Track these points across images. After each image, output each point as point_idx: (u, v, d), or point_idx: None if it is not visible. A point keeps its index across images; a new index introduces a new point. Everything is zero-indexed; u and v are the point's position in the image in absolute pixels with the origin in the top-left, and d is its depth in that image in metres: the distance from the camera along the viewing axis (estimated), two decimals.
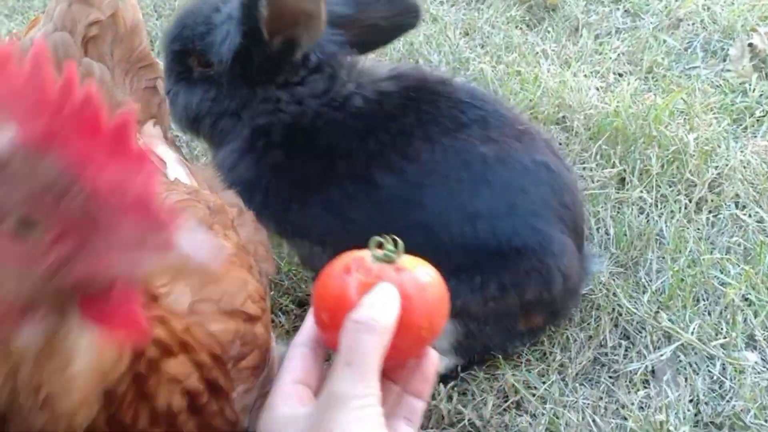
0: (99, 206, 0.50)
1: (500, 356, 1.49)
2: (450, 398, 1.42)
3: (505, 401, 1.44)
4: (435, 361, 0.79)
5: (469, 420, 1.39)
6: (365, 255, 0.76)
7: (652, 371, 1.49)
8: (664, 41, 2.41)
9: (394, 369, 0.78)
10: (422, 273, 0.75)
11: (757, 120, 2.10)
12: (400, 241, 0.75)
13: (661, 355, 1.50)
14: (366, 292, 0.72)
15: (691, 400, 1.42)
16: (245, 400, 0.77)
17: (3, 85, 0.49)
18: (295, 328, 1.59)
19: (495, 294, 1.35)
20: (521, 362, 1.50)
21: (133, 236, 0.50)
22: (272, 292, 1.65)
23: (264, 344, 0.83)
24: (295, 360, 0.76)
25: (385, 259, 0.74)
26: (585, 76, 2.25)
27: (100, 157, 0.50)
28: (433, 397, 1.42)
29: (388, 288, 0.71)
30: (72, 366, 0.58)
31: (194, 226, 0.53)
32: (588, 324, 1.58)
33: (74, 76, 0.50)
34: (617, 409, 1.42)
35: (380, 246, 0.75)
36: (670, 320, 1.55)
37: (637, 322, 1.57)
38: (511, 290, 1.36)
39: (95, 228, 0.50)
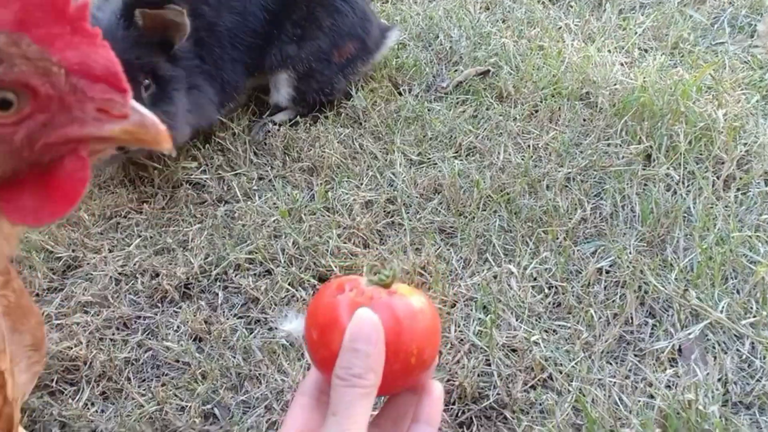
0: (75, 80, 0.57)
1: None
2: (475, 375, 1.40)
3: (532, 378, 1.42)
4: (439, 399, 0.76)
5: (496, 396, 1.38)
6: (361, 278, 0.75)
7: (679, 350, 1.47)
8: (690, 16, 2.36)
9: (384, 395, 0.76)
10: (415, 300, 0.74)
11: None
12: (396, 268, 0.74)
13: (689, 334, 1.47)
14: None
15: (719, 379, 1.39)
16: None
17: None
18: None
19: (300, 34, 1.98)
20: (548, 339, 1.48)
21: (97, 106, 0.58)
22: (293, 267, 1.64)
23: None
24: (297, 409, 0.77)
25: (379, 283, 0.74)
26: (609, 51, 2.21)
27: (66, 37, 0.57)
28: (457, 374, 1.41)
29: (368, 318, 0.69)
30: None
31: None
32: (613, 301, 1.55)
33: None
34: (644, 387, 1.40)
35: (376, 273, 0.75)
36: (698, 298, 1.52)
37: (664, 300, 1.54)
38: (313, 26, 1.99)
39: (64, 101, 0.57)
